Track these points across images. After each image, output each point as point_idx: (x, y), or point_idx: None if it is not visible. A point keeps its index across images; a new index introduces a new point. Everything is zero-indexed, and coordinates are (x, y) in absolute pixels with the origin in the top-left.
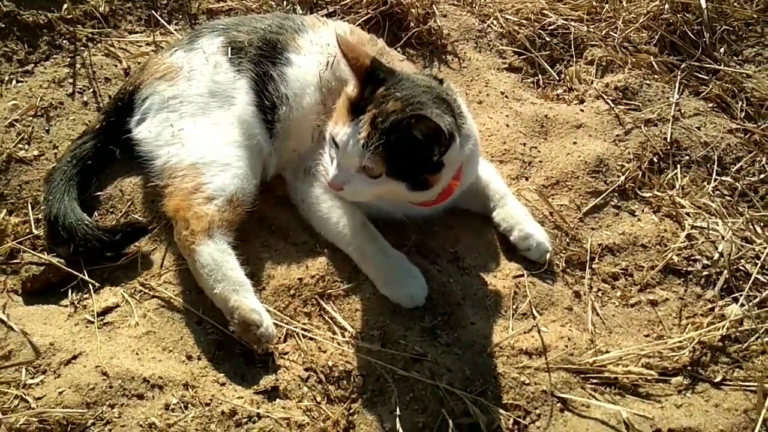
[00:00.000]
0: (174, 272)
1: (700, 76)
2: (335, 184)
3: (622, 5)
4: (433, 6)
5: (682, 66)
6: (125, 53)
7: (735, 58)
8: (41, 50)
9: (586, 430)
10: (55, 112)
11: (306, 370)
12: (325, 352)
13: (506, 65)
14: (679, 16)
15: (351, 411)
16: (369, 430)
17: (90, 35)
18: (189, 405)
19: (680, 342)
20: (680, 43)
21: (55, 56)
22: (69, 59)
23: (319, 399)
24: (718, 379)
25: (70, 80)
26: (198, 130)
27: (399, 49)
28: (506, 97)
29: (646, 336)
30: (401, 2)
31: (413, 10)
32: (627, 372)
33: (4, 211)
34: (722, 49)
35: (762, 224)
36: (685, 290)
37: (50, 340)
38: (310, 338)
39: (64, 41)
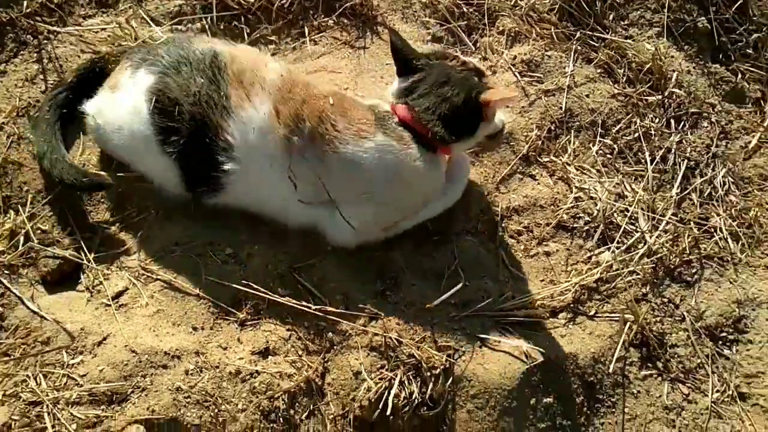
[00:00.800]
0: (167, 257)
1: (592, 43)
2: None
3: None
4: None
5: (577, 35)
6: (85, 41)
7: (621, 23)
8: (9, 48)
9: (498, 360)
10: (34, 111)
11: (287, 330)
12: (300, 315)
13: (430, 36)
14: None
15: (326, 360)
16: (340, 372)
17: (49, 28)
18: (203, 369)
19: (565, 286)
20: (576, 13)
21: (22, 53)
22: (36, 54)
23: (300, 353)
24: (592, 313)
25: (41, 76)
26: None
27: (335, 19)
28: None
29: (542, 281)
30: None
31: None
32: (526, 314)
33: (12, 212)
34: (611, 16)
35: (632, 178)
36: (571, 242)
37: (80, 326)
38: (289, 305)
39: (28, 36)
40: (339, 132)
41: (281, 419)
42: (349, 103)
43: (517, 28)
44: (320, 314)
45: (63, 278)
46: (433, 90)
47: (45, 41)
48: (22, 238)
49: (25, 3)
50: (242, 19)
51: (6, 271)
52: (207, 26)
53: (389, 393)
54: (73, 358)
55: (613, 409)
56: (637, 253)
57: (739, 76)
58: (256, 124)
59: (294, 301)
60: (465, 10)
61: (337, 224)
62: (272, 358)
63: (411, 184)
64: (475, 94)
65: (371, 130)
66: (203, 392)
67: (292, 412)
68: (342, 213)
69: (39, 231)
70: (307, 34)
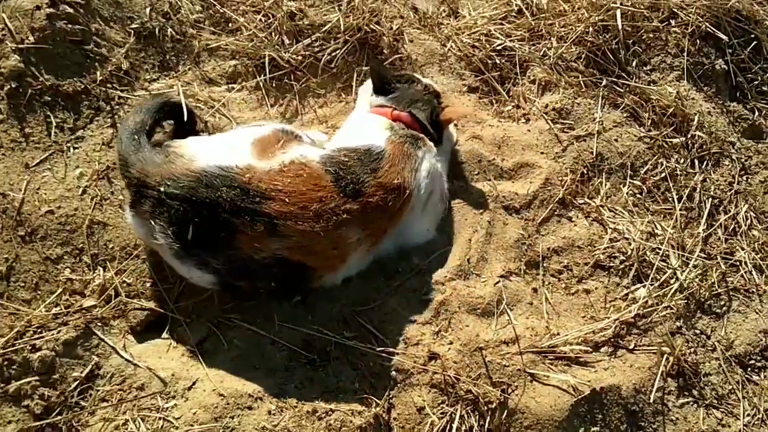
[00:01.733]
0: (243, 305)
1: (618, 89)
2: None
3: (554, 25)
4: (403, 34)
5: (603, 82)
6: None
7: (644, 68)
8: (85, 115)
9: (548, 394)
10: (113, 174)
11: (354, 370)
12: (365, 355)
13: (466, 87)
14: (600, 37)
15: (390, 396)
16: (404, 408)
17: (120, 94)
18: (283, 409)
19: (606, 322)
20: (602, 60)
21: (97, 118)
22: (110, 119)
23: (367, 391)
24: (631, 347)
25: (112, 138)
26: None
27: None
28: (468, 120)
29: (583, 317)
30: (374, 30)
31: (384, 38)
32: (571, 349)
33: (100, 269)
34: (634, 62)
35: (661, 216)
36: (608, 280)
37: (171, 372)
38: (353, 347)
39: (101, 102)
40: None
41: None
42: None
43: (547, 77)
44: (384, 354)
45: (149, 327)
46: (415, 102)
47: (117, 106)
48: (112, 293)
49: (98, 73)
50: (291, 76)
51: (99, 324)
52: (261, 83)
53: (452, 427)
54: (167, 402)
55: None
56: (671, 289)
57: (756, 113)
58: None
59: (360, 344)
60: (497, 61)
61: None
62: (343, 396)
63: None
64: (437, 113)
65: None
66: (285, 430)
67: None
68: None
69: (125, 284)
70: (353, 86)
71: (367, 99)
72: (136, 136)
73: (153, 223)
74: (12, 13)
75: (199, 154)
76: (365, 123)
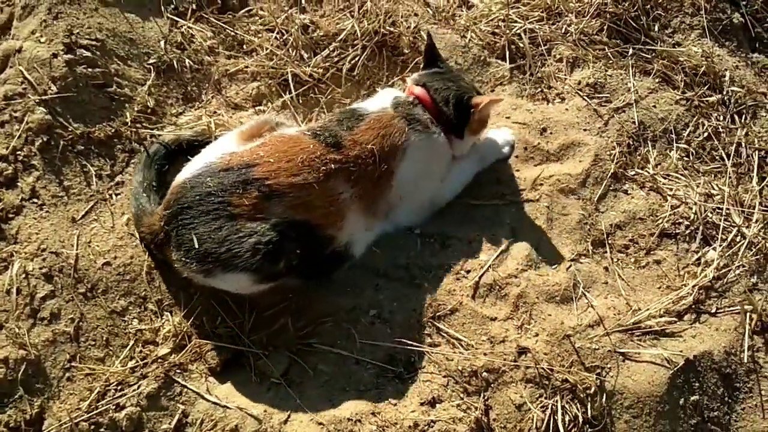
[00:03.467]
0: (318, 328)
1: (646, 56)
2: None
3: (569, 1)
4: (420, 32)
5: (630, 51)
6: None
7: (665, 31)
8: (120, 159)
9: (643, 371)
10: None
11: (444, 377)
12: (451, 360)
13: (494, 75)
14: (619, 6)
15: (486, 398)
16: (502, 408)
17: (151, 132)
18: (383, 428)
19: (685, 290)
20: (624, 30)
21: (133, 161)
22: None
23: (462, 396)
24: (713, 310)
25: None
26: None
27: (397, 80)
28: (505, 111)
29: (659, 288)
30: (391, 31)
31: (403, 38)
32: (656, 322)
33: (168, 314)
34: (656, 27)
35: (713, 176)
36: (677, 248)
37: (262, 408)
38: (438, 354)
39: (134, 144)
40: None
41: None
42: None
43: (573, 54)
44: (471, 357)
45: (228, 365)
46: (447, 81)
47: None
48: (185, 337)
49: (126, 113)
50: (315, 89)
51: (178, 371)
52: (288, 102)
53: (555, 419)
54: None
55: (751, 394)
56: (740, 247)
57: None
58: None
59: (446, 350)
60: (520, 45)
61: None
62: (440, 405)
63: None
64: (467, 97)
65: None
66: None
67: None
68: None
69: (195, 326)
70: (378, 90)
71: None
72: (144, 194)
73: (175, 259)
74: (29, 64)
75: (184, 170)
76: (379, 95)
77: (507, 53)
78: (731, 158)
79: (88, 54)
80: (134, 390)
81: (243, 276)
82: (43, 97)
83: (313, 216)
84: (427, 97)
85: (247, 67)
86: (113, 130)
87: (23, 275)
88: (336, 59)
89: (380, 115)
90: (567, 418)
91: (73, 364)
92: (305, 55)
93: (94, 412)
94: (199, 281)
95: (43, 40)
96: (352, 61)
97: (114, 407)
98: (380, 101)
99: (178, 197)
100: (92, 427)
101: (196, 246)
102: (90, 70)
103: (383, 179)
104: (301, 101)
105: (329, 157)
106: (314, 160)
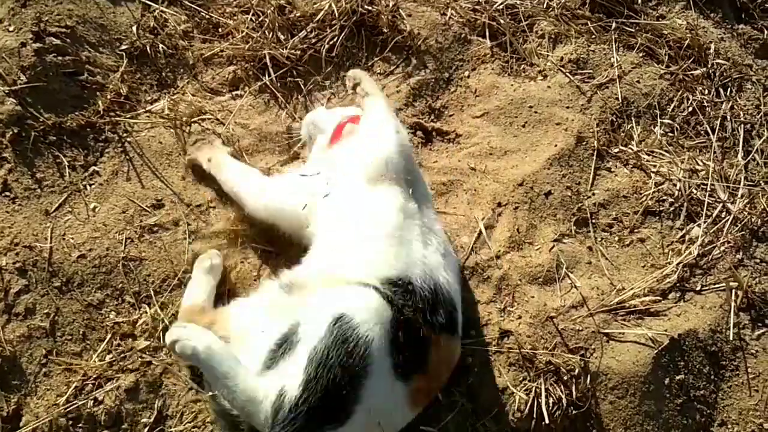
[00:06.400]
0: None
1: (629, 30)
2: None
3: None
4: (399, 10)
5: (613, 26)
6: (160, 124)
7: (649, 3)
8: (94, 149)
9: (627, 351)
10: (133, 206)
11: None
12: None
13: (476, 55)
14: None
15: (469, 381)
16: (487, 390)
17: (126, 119)
18: None
19: (669, 268)
20: (607, 4)
21: (107, 150)
22: (120, 148)
23: None
24: (698, 288)
25: (127, 167)
26: None
27: (377, 60)
28: (486, 89)
29: (643, 267)
30: (369, 10)
31: (382, 16)
32: (641, 301)
33: (145, 306)
34: (640, 0)
35: (698, 151)
36: (661, 225)
37: None
38: None
39: (108, 133)
40: None
41: None
42: None
43: (555, 30)
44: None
45: None
46: None
47: (125, 134)
48: (164, 329)
49: (99, 102)
50: (294, 72)
51: (156, 363)
52: (267, 85)
53: (539, 402)
54: None
55: (737, 372)
56: (725, 222)
57: (766, 32)
58: None
59: None
60: (501, 21)
61: None
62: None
63: None
64: None
65: None
66: None
67: None
68: None
69: (173, 317)
70: None
71: None
72: None
73: None
74: None
75: None
76: None
77: (487, 31)
78: (716, 132)
79: (58, 42)
80: (112, 384)
81: None
82: (13, 88)
83: None
84: None
85: (222, 50)
86: (86, 120)
87: None
88: (314, 40)
89: None
90: (551, 401)
91: (49, 358)
92: (282, 37)
93: (73, 407)
94: None
95: (11, 29)
96: (330, 42)
97: (93, 402)
98: None
99: None
100: (71, 422)
101: None
102: (60, 58)
103: None
104: (279, 84)
105: None
106: None
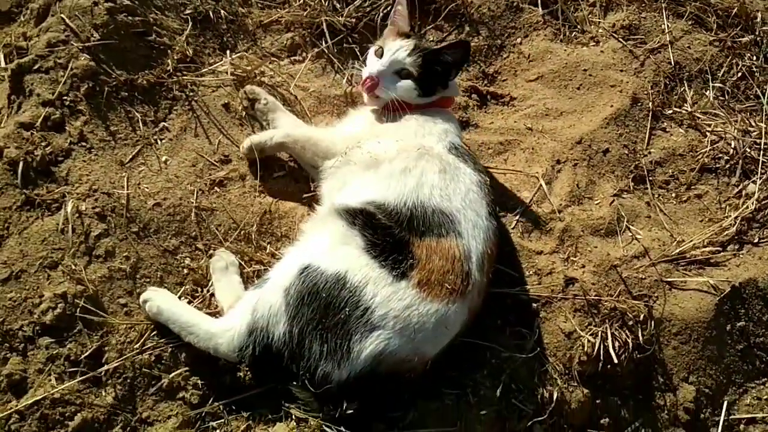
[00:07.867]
0: None
1: None
2: (376, 74)
3: None
4: None
5: None
6: (222, 82)
7: None
8: (163, 106)
9: (690, 299)
10: (202, 160)
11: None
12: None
13: (528, 22)
14: None
15: (536, 326)
16: (552, 337)
17: (193, 79)
18: None
19: (728, 221)
20: None
21: (175, 108)
22: (187, 105)
23: (513, 325)
24: (756, 240)
25: (195, 124)
26: None
27: (430, 28)
28: (539, 54)
29: (701, 221)
30: None
31: None
32: (701, 252)
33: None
34: None
35: (748, 113)
36: (718, 182)
37: None
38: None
39: (176, 92)
40: None
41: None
42: None
43: None
44: (519, 289)
45: None
46: None
47: (191, 93)
48: None
49: (168, 62)
50: (349, 39)
51: None
52: (324, 51)
53: (606, 345)
54: None
55: None
56: None
57: None
58: None
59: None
60: None
61: None
62: (493, 335)
63: None
64: None
65: None
66: None
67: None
68: None
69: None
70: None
71: None
72: None
73: None
74: (71, 12)
75: None
76: None
77: None
78: (766, 96)
79: (128, 2)
80: None
81: None
82: (86, 44)
83: None
84: None
85: (281, 17)
86: (155, 78)
87: (76, 215)
88: (369, 9)
89: None
90: (617, 344)
91: (129, 299)
92: (338, 5)
93: (155, 346)
94: None
95: None
96: (384, 11)
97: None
98: None
99: None
100: (153, 359)
101: None
102: (130, 18)
103: None
104: (336, 50)
105: None
106: None
